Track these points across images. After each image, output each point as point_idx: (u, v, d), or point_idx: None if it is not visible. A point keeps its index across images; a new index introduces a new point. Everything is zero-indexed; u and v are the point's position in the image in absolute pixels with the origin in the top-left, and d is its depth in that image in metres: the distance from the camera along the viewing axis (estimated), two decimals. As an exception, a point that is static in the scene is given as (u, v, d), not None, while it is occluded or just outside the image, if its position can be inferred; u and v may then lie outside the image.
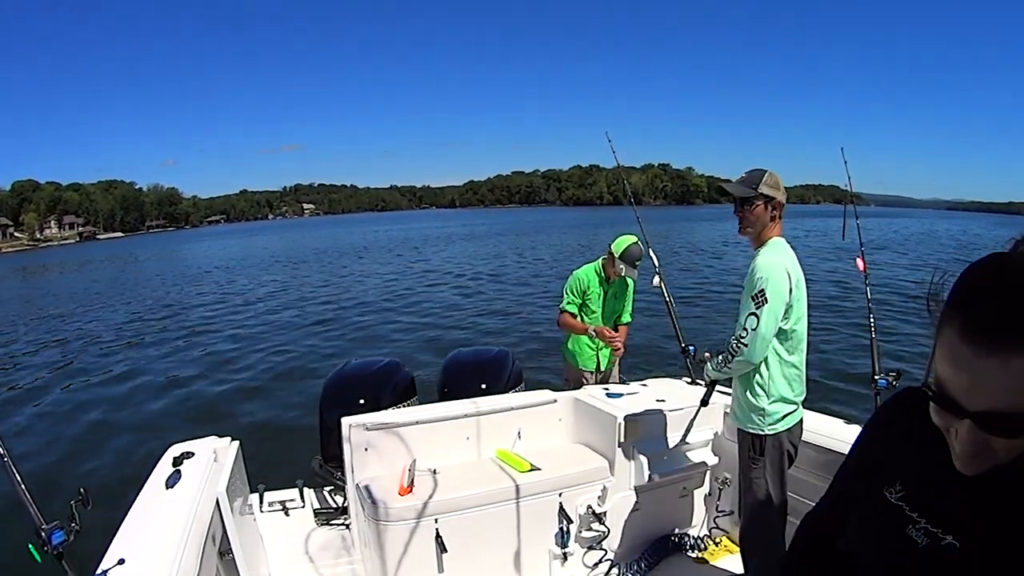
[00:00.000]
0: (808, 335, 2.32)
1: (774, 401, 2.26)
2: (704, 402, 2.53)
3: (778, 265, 2.17)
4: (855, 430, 2.63)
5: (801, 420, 2.35)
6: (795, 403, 2.29)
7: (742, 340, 2.19)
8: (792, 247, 2.30)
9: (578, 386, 3.83)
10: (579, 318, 3.84)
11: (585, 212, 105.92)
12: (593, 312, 3.81)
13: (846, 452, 2.56)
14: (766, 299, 2.13)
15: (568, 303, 3.82)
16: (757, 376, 2.26)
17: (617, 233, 3.77)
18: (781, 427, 2.27)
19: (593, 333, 3.74)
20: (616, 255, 3.66)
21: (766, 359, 2.23)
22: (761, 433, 2.28)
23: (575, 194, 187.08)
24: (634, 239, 3.67)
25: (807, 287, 2.28)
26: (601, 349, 3.87)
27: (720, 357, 2.32)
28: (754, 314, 2.15)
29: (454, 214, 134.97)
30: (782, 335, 2.22)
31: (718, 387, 2.56)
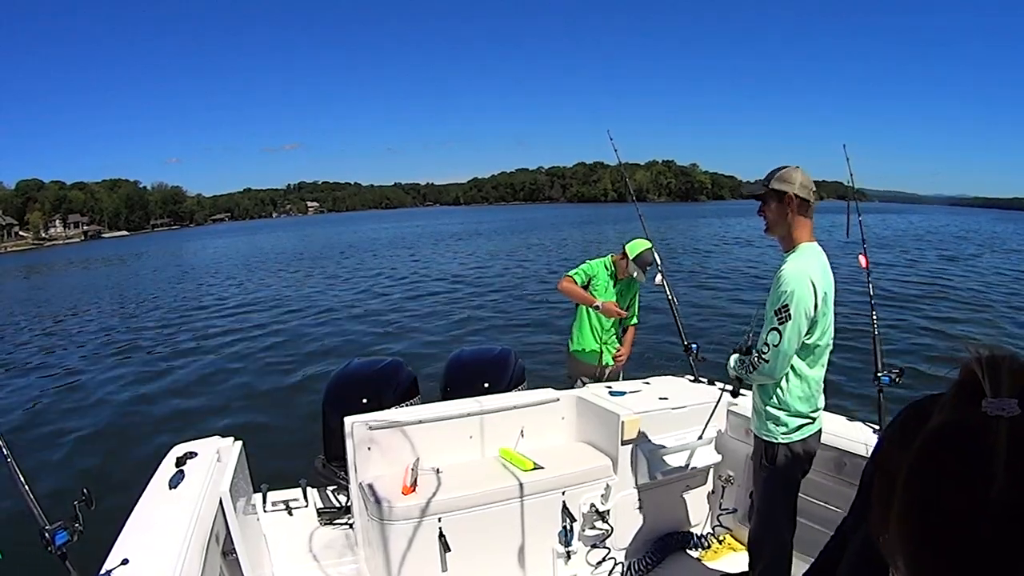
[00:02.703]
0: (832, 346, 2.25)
1: (789, 414, 2.21)
2: (734, 393, 2.49)
3: (804, 276, 2.06)
4: (858, 427, 2.62)
5: (819, 431, 2.28)
6: (811, 417, 2.23)
7: (763, 356, 2.12)
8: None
9: (582, 381, 3.86)
10: (584, 310, 3.88)
11: (589, 209, 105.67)
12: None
13: (848, 449, 2.53)
14: (789, 315, 2.05)
15: (574, 274, 3.88)
16: (774, 387, 2.21)
17: (621, 230, 3.86)
18: (796, 437, 2.21)
19: (600, 306, 3.76)
20: (630, 256, 3.72)
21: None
22: (774, 441, 2.24)
23: (579, 191, 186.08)
24: (649, 245, 3.71)
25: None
26: (605, 344, 3.89)
27: (741, 366, 2.25)
28: (776, 330, 2.08)
29: (458, 211, 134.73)
30: (804, 349, 2.14)
31: (726, 386, 2.53)
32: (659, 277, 3.63)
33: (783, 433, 2.22)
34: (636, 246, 3.72)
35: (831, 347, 2.24)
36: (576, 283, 3.85)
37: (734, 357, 2.29)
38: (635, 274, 3.73)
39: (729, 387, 2.49)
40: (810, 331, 2.12)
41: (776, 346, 2.09)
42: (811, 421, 2.23)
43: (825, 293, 2.11)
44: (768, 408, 2.24)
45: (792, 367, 2.16)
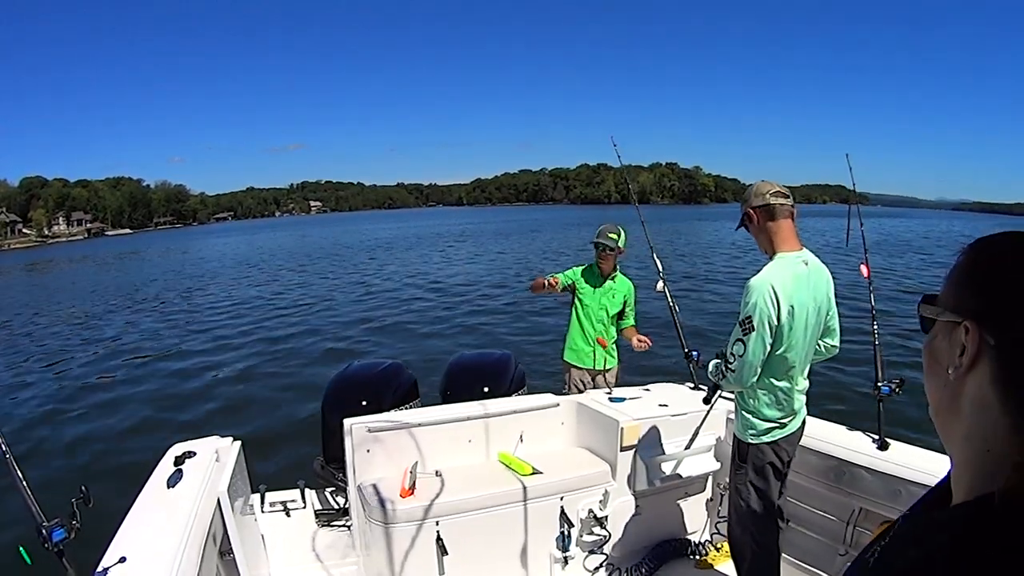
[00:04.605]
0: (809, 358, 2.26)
1: (757, 418, 2.25)
2: (706, 400, 2.52)
3: (767, 287, 2.06)
4: (857, 436, 2.61)
5: (794, 433, 2.30)
6: (782, 423, 2.25)
7: (730, 366, 2.15)
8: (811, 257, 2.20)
9: (577, 387, 3.87)
10: (576, 307, 3.92)
11: (593, 211, 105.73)
12: (587, 305, 3.89)
13: (848, 459, 2.55)
14: (752, 326, 2.06)
15: (551, 275, 3.94)
16: (745, 392, 2.26)
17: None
18: (765, 439, 2.25)
19: (546, 282, 3.82)
20: (594, 242, 3.82)
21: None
22: (745, 441, 2.29)
23: (583, 192, 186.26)
24: (606, 225, 3.84)
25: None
26: (597, 348, 3.89)
27: (716, 370, 2.28)
28: (741, 341, 2.10)
29: (461, 212, 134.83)
30: (771, 360, 2.14)
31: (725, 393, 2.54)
32: (660, 284, 3.63)
33: (752, 435, 2.27)
34: (597, 231, 3.84)
35: (804, 361, 2.23)
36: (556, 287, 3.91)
37: (713, 362, 2.31)
38: (601, 245, 3.78)
39: (704, 402, 2.52)
40: (776, 342, 2.11)
41: (741, 357, 2.11)
42: (781, 426, 2.25)
43: (792, 306, 2.07)
44: (741, 411, 2.30)
45: (762, 376, 2.17)
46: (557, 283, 3.79)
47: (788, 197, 2.18)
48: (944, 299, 0.58)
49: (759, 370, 2.14)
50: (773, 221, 2.16)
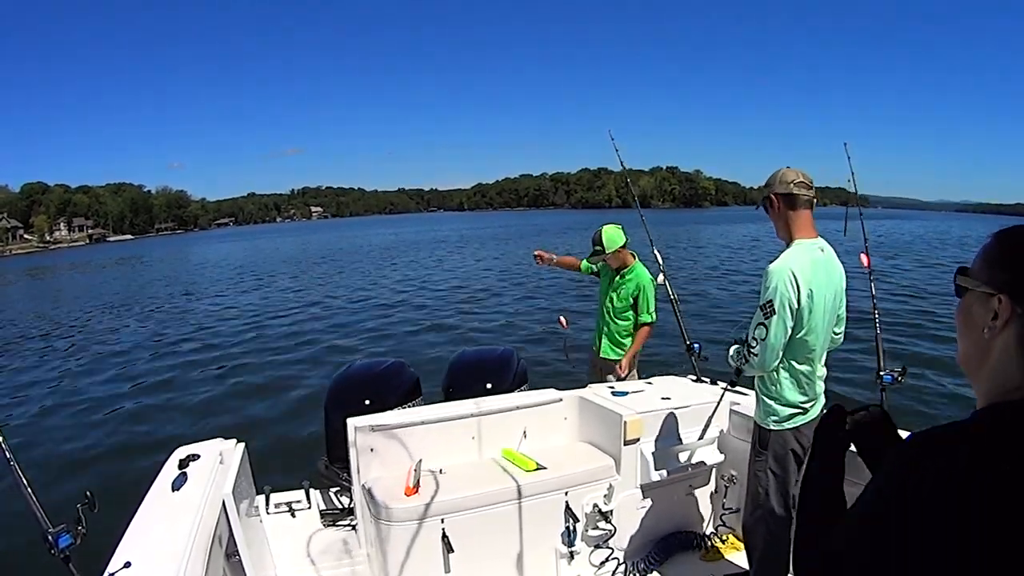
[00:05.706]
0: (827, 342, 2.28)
1: (781, 403, 2.25)
2: (732, 384, 2.52)
3: (786, 272, 2.10)
4: None
5: (815, 420, 2.26)
6: (804, 408, 2.26)
7: (752, 350, 2.16)
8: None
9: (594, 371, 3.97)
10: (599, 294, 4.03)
11: (593, 215, 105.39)
12: (600, 296, 3.99)
13: (850, 448, 2.53)
14: (774, 310, 2.09)
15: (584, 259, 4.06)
16: (767, 377, 2.26)
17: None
18: (787, 425, 2.26)
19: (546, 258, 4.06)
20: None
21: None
22: (767, 428, 2.29)
23: (584, 197, 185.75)
24: (600, 228, 3.80)
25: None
26: (605, 336, 3.94)
27: (738, 356, 2.28)
28: (763, 324, 2.12)
29: (463, 217, 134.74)
30: (792, 344, 2.17)
31: (727, 386, 2.55)
32: (660, 277, 3.64)
33: (775, 421, 2.27)
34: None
35: (824, 345, 2.25)
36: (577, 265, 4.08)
37: (734, 348, 2.32)
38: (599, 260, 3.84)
39: (731, 386, 2.53)
40: (797, 326, 2.14)
41: (763, 340, 2.13)
42: (803, 411, 2.26)
43: (811, 290, 2.11)
44: (763, 397, 2.30)
45: (784, 359, 2.19)
46: (544, 257, 4.05)
47: (811, 188, 2.22)
48: (976, 273, 0.75)
49: (781, 353, 2.16)
50: (793, 210, 2.21)
